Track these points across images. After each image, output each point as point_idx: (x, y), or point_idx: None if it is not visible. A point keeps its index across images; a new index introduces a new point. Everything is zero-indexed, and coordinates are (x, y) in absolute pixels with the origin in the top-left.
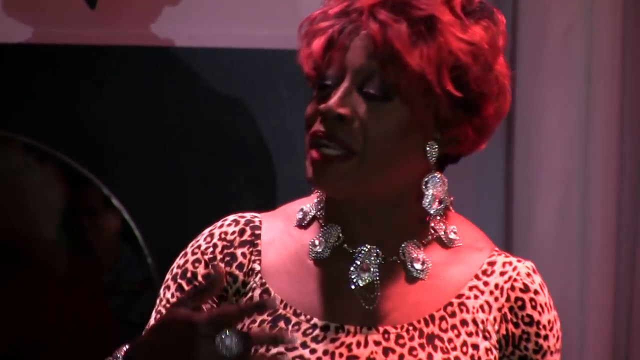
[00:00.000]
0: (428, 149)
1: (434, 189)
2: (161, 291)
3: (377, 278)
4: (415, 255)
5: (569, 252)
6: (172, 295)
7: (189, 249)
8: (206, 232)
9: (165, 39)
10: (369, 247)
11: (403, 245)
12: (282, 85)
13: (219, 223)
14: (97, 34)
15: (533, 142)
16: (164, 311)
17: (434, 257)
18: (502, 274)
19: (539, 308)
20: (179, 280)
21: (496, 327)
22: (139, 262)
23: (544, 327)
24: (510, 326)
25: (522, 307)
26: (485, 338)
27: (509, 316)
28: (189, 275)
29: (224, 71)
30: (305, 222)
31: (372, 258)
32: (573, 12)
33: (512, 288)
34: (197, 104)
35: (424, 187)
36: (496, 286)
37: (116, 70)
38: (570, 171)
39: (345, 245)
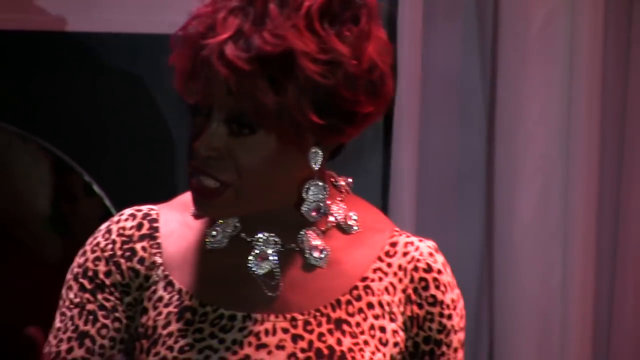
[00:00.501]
0: (310, 157)
1: (314, 196)
2: (64, 291)
3: (277, 266)
4: (313, 243)
5: (550, 240)
6: (75, 296)
7: (87, 247)
8: (104, 228)
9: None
10: (266, 235)
11: (301, 233)
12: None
13: (116, 218)
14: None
15: (514, 130)
16: (67, 313)
17: (334, 244)
18: (404, 254)
19: (442, 288)
20: (80, 280)
21: (401, 309)
22: None
23: (448, 306)
24: (415, 307)
25: (426, 288)
26: (391, 320)
27: (413, 297)
28: (90, 274)
29: None
30: (194, 214)
31: (271, 246)
32: (553, 2)
33: (416, 269)
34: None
35: (304, 193)
36: (399, 267)
37: (95, 57)
38: (551, 160)
39: (243, 234)
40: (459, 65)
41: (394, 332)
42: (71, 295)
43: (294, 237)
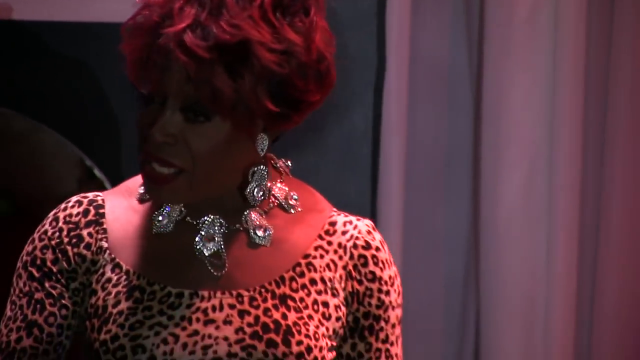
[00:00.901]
0: (258, 142)
1: (259, 181)
2: (14, 280)
3: (222, 246)
4: (257, 222)
5: (534, 223)
6: (24, 284)
7: (36, 235)
8: (51, 216)
9: None
10: (212, 217)
11: (245, 213)
12: None
13: (63, 206)
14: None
15: (500, 116)
16: (17, 301)
17: (276, 223)
18: (344, 232)
19: (380, 264)
20: (29, 268)
21: (342, 285)
22: None
23: (386, 282)
24: (355, 283)
25: (365, 264)
26: (333, 295)
27: (353, 274)
28: (38, 262)
29: None
30: (146, 197)
31: (216, 228)
32: None
33: (355, 246)
34: None
35: (250, 177)
36: (339, 245)
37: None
38: (535, 145)
39: (188, 218)
40: (447, 54)
41: (336, 307)
42: (20, 284)
43: (238, 218)
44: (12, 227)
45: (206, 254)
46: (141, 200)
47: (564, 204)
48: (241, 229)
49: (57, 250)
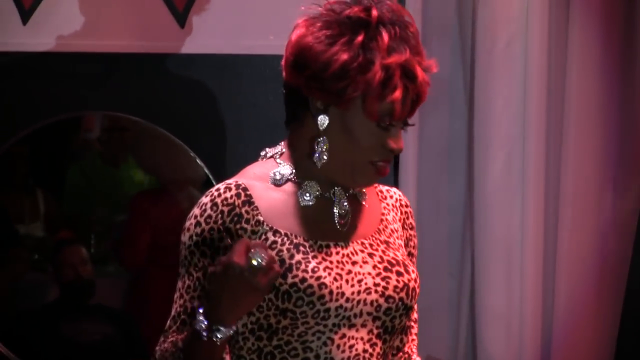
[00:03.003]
0: None
1: None
2: (186, 254)
3: (347, 209)
4: (358, 188)
5: (513, 192)
6: (199, 260)
7: (201, 219)
8: (208, 202)
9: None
10: (337, 189)
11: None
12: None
13: (215, 193)
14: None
15: (486, 117)
16: (194, 274)
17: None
18: (391, 196)
19: (412, 218)
20: (201, 247)
21: (400, 232)
22: None
23: (413, 228)
24: (405, 231)
25: (408, 218)
26: (400, 239)
27: (405, 224)
28: (208, 242)
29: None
30: (282, 182)
31: (341, 196)
32: (513, 30)
33: (401, 205)
34: (260, 93)
35: None
36: (392, 205)
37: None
38: (512, 138)
39: (324, 193)
40: (448, 72)
41: (402, 247)
42: (195, 260)
43: (344, 189)
44: (157, 198)
45: (337, 215)
46: (275, 183)
47: (533, 179)
48: (350, 192)
49: (223, 230)
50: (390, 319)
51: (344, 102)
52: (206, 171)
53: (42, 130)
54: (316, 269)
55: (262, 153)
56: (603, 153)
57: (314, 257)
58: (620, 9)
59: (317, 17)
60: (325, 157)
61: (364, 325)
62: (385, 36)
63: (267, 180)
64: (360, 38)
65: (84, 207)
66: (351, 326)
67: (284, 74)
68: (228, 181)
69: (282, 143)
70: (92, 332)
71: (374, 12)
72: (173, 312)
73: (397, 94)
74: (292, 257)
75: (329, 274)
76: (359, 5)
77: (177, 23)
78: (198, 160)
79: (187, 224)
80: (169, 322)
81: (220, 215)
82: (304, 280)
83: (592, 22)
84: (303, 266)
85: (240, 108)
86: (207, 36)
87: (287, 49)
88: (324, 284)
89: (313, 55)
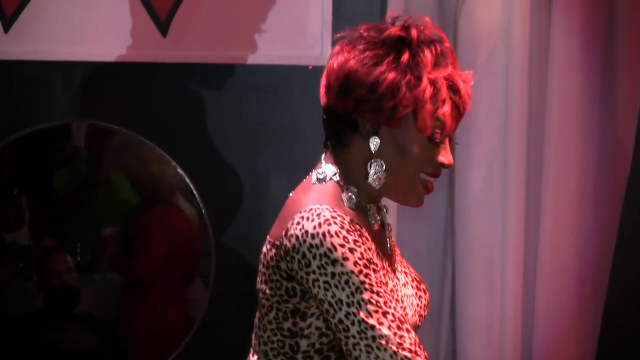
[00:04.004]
0: None
1: None
2: (362, 278)
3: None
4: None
5: (493, 203)
6: (376, 278)
7: (351, 245)
8: (338, 229)
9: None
10: (385, 213)
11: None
12: (296, 90)
13: (339, 219)
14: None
15: (468, 128)
16: (381, 289)
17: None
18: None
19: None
20: (371, 267)
21: None
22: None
23: None
24: None
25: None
26: None
27: None
28: (371, 260)
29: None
30: (355, 205)
31: (386, 220)
32: (494, 42)
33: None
34: (242, 102)
35: None
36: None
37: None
38: (493, 148)
39: (377, 215)
40: None
41: None
42: (373, 280)
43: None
44: (171, 210)
45: (387, 239)
46: (350, 207)
47: (514, 189)
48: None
49: (369, 249)
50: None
51: (395, 120)
52: (187, 180)
53: (27, 137)
54: (403, 297)
55: (320, 177)
56: (584, 163)
57: (396, 283)
58: (601, 21)
59: (357, 41)
60: (382, 179)
61: None
62: (427, 53)
63: (343, 204)
64: (405, 56)
65: (70, 215)
66: None
67: (325, 99)
68: (322, 206)
69: (327, 164)
70: (78, 340)
71: (414, 31)
72: (388, 332)
73: (447, 107)
74: (387, 283)
75: (404, 299)
76: (396, 25)
77: (160, 32)
78: (179, 170)
79: (337, 254)
80: (395, 339)
81: (358, 238)
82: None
83: (574, 35)
84: (395, 294)
85: (223, 117)
86: (190, 45)
87: (328, 75)
88: (406, 313)
89: (360, 77)
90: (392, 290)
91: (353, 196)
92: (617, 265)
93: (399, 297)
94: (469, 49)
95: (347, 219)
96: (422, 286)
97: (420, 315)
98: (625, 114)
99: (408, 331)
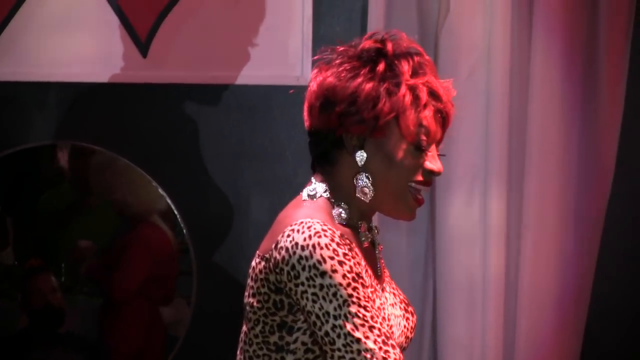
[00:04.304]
0: None
1: None
2: (349, 291)
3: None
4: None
5: (474, 224)
6: (364, 293)
7: (341, 258)
8: (329, 242)
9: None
10: (375, 231)
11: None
12: (277, 110)
13: (329, 232)
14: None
15: (449, 147)
16: (368, 304)
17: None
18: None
19: None
20: (359, 281)
21: None
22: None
23: None
24: None
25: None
26: None
27: None
28: (360, 275)
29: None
30: (345, 222)
31: (375, 237)
32: (475, 60)
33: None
34: (223, 122)
35: None
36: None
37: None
38: (474, 168)
39: (367, 232)
40: None
41: None
42: (362, 293)
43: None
44: (155, 230)
45: (377, 259)
46: (341, 222)
47: (495, 210)
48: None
49: (359, 263)
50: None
51: (379, 129)
52: (168, 201)
53: (11, 157)
54: (391, 316)
55: (311, 193)
56: (565, 183)
57: (383, 302)
58: (582, 39)
59: (333, 59)
60: (370, 192)
61: None
62: (404, 63)
63: (334, 220)
64: (381, 66)
65: (55, 235)
66: None
67: (308, 122)
68: (312, 220)
69: (317, 183)
70: None
71: (389, 44)
72: (374, 346)
73: (429, 112)
74: (374, 301)
75: (390, 317)
76: (372, 39)
77: (140, 53)
78: (160, 190)
79: (326, 266)
80: (380, 353)
81: (349, 252)
82: (390, 319)
83: (555, 52)
84: (382, 313)
85: (204, 137)
86: (170, 66)
87: (309, 98)
88: (393, 332)
89: (339, 92)
90: (379, 308)
91: (343, 212)
92: (597, 285)
93: (386, 315)
94: (449, 67)
95: (338, 233)
96: (409, 309)
97: (406, 337)
98: (607, 133)
99: (393, 347)
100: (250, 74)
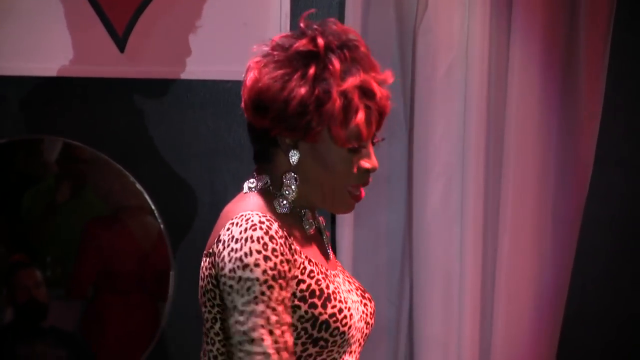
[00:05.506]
0: None
1: None
2: (263, 289)
3: (327, 237)
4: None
5: (451, 220)
6: (278, 294)
7: (268, 253)
8: (262, 235)
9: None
10: (319, 218)
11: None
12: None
13: (265, 224)
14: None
15: (426, 144)
16: (277, 308)
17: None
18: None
19: None
20: (278, 281)
21: None
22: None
23: None
24: None
25: None
26: None
27: None
28: (282, 274)
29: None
30: (288, 210)
31: (324, 225)
32: (453, 56)
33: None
34: (200, 118)
35: None
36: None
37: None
38: (451, 165)
39: (312, 220)
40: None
41: None
42: (275, 294)
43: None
44: (108, 225)
45: (325, 243)
46: (278, 216)
47: (472, 207)
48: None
49: (288, 261)
50: (364, 344)
51: (310, 135)
52: (146, 197)
53: None
54: (347, 299)
55: (251, 185)
56: (543, 181)
57: (337, 286)
58: (561, 37)
59: (268, 57)
60: (292, 193)
61: (353, 352)
62: (336, 62)
63: (274, 212)
64: (312, 70)
65: (40, 230)
66: (350, 352)
67: (246, 115)
68: (252, 212)
69: (258, 175)
70: (46, 355)
71: (320, 41)
72: (269, 350)
73: (360, 116)
74: (327, 286)
75: (347, 299)
76: (304, 37)
77: (117, 48)
78: (138, 186)
79: (251, 259)
80: (274, 357)
81: (282, 247)
82: (341, 310)
83: (533, 49)
84: (338, 296)
85: (180, 133)
86: (148, 61)
87: (244, 92)
88: (351, 314)
89: (271, 96)
90: (334, 292)
91: (285, 201)
92: (574, 283)
93: (342, 298)
94: (427, 65)
95: (276, 225)
96: (367, 295)
97: (367, 323)
98: (585, 132)
99: (290, 358)
100: (228, 70)
